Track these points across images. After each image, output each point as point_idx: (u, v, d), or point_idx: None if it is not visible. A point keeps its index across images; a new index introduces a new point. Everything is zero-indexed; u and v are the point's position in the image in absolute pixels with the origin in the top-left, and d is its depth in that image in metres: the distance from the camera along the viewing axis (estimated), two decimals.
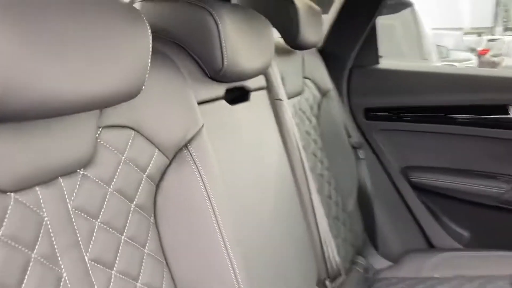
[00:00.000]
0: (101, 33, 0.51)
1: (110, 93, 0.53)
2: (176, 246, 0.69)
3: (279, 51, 1.25)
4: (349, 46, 1.66)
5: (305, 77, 1.42)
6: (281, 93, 1.14)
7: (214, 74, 0.83)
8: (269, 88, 1.12)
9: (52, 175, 0.53)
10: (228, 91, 0.93)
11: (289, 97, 1.28)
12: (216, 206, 0.73)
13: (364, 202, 1.60)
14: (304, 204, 1.15)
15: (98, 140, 0.60)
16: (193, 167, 0.73)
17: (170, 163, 0.71)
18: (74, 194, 0.56)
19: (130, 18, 0.56)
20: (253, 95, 1.03)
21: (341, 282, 1.23)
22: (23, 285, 0.47)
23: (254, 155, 0.99)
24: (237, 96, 0.98)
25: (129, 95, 0.57)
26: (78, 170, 0.57)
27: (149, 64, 0.58)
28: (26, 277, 0.48)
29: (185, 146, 0.73)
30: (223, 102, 0.92)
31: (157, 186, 0.69)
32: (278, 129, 1.11)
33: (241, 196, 0.91)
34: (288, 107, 1.15)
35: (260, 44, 0.93)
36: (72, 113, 0.51)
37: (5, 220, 0.47)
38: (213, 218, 0.72)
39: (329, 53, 1.63)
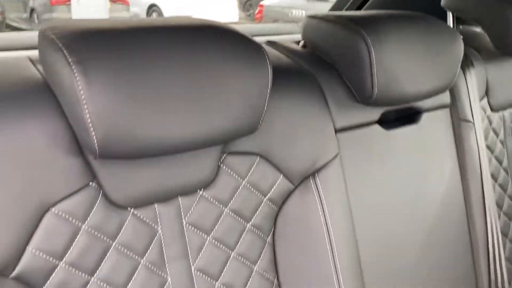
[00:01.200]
0: (219, 77, 0.55)
1: (227, 131, 0.59)
2: (289, 267, 0.73)
3: (492, 55, 1.11)
4: None
5: None
6: (473, 112, 1.01)
7: (364, 100, 0.81)
8: (454, 106, 1.00)
9: (172, 195, 0.63)
10: (386, 113, 0.88)
11: (497, 109, 1.13)
12: (334, 237, 0.74)
13: None
14: (476, 244, 1.02)
15: (221, 165, 0.67)
16: (316, 196, 0.74)
17: (294, 189, 0.74)
18: (190, 212, 0.64)
19: (250, 57, 0.58)
20: (426, 116, 0.94)
21: None
22: (129, 284, 0.59)
23: (410, 186, 0.92)
24: (401, 117, 0.92)
25: (248, 131, 0.62)
26: (198, 191, 0.65)
27: (265, 103, 0.61)
28: (133, 278, 0.59)
29: (313, 174, 0.74)
30: (376, 127, 0.88)
31: (279, 209, 0.73)
32: (458, 155, 1.00)
33: (379, 229, 0.87)
34: (479, 129, 1.01)
35: (439, 61, 0.84)
36: (194, 150, 0.58)
37: (122, 231, 0.59)
38: (328, 248, 0.73)
39: None
